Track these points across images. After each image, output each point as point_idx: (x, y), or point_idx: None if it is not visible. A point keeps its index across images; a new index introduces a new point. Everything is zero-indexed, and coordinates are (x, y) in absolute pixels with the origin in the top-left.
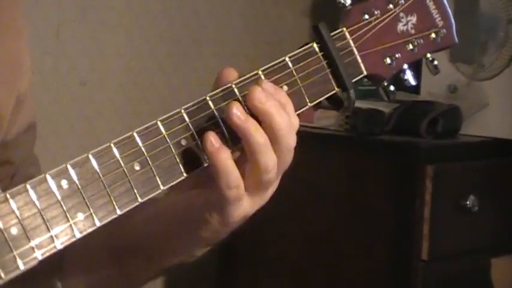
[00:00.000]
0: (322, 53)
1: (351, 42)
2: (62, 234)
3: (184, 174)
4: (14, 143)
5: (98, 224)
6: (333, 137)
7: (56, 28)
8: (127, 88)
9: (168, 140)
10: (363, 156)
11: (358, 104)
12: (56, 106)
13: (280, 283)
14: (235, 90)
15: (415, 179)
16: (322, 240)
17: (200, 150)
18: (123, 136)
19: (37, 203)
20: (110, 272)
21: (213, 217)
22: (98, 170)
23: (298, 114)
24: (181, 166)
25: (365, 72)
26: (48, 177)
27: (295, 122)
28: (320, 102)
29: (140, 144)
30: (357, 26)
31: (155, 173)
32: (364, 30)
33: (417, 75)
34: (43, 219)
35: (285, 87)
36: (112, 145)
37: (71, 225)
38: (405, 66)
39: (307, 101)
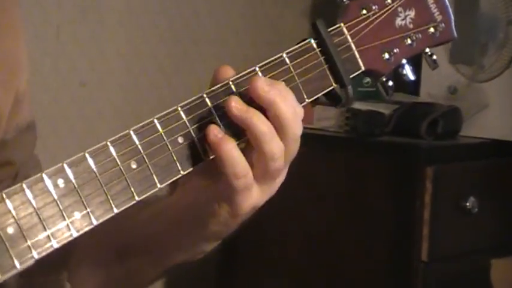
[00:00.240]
0: (319, 49)
1: (349, 37)
2: (59, 233)
3: (182, 172)
4: (13, 143)
5: (95, 222)
6: (333, 138)
7: (56, 29)
8: (127, 88)
9: (164, 137)
10: (363, 157)
11: (358, 105)
12: (56, 106)
13: (280, 283)
14: (232, 86)
15: (415, 180)
16: (322, 240)
17: (197, 147)
18: (120, 134)
19: (33, 202)
20: (118, 272)
21: (222, 208)
22: (94, 169)
23: None
24: (178, 164)
25: (363, 68)
26: (45, 176)
27: (299, 111)
28: (318, 98)
29: (137, 142)
30: (354, 21)
31: (152, 171)
32: (362, 25)
33: (417, 75)
34: (39, 218)
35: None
36: (108, 143)
37: (67, 224)
38: (404, 61)
39: (305, 97)
